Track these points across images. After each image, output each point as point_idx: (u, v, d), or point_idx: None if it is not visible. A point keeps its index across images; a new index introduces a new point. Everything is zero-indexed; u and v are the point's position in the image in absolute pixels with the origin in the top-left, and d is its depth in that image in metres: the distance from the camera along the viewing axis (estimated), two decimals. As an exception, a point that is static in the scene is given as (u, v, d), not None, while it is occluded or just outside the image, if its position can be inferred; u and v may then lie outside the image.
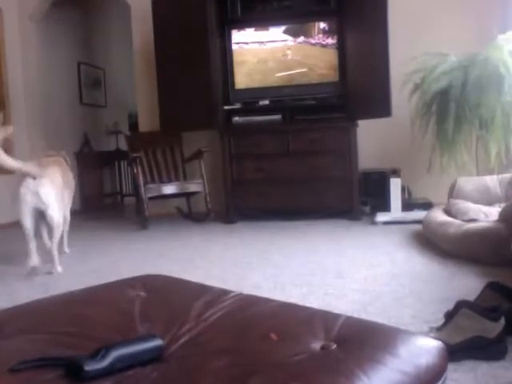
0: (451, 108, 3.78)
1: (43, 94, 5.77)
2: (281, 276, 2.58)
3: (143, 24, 5.04)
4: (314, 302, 2.08)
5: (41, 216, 2.96)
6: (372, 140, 4.60)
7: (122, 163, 7.13)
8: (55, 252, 3.01)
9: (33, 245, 2.97)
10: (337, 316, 1.09)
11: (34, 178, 2.87)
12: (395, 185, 4.18)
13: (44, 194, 2.88)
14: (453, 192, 3.52)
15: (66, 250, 3.58)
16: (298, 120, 4.53)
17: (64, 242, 3.54)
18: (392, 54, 4.04)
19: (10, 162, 2.86)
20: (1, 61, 5.32)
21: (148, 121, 5.23)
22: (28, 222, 2.92)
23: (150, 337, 0.97)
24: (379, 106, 4.17)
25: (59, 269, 2.99)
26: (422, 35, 4.45)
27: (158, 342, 0.95)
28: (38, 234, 3.10)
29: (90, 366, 0.85)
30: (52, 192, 2.93)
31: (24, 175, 2.89)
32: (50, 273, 2.98)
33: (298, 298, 2.11)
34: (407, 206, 4.22)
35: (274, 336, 0.98)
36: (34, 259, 2.96)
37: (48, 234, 3.17)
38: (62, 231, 3.25)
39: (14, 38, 5.50)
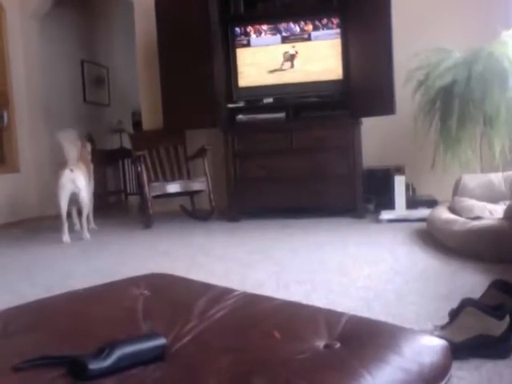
0: (455, 104, 3.77)
1: (46, 93, 5.78)
2: (284, 274, 2.58)
3: (146, 21, 5.04)
4: (318, 299, 2.08)
5: (72, 200, 3.98)
6: (376, 137, 4.59)
7: (125, 161, 7.14)
8: (85, 224, 4.05)
9: (65, 225, 3.94)
10: (340, 314, 1.08)
11: (71, 170, 3.92)
12: (399, 182, 4.17)
13: (78, 182, 3.95)
14: (457, 189, 3.51)
15: (94, 226, 4.42)
16: (302, 118, 4.52)
17: (91, 220, 4.39)
18: (395, 50, 4.03)
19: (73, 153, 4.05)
20: (4, 59, 5.33)
21: (151, 119, 5.23)
22: (64, 205, 3.92)
23: (153, 335, 0.97)
24: (383, 103, 4.15)
25: (88, 236, 4.01)
26: (425, 32, 4.43)
27: (161, 341, 0.95)
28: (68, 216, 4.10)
29: (94, 365, 0.85)
30: (83, 180, 3.99)
31: (64, 165, 3.96)
32: (81, 238, 3.98)
33: (302, 296, 2.11)
34: (411, 203, 4.21)
35: (277, 334, 0.98)
36: (66, 236, 3.94)
37: (78, 213, 4.25)
38: (89, 210, 4.21)
39: (16, 37, 5.50)
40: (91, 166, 4.48)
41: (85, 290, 1.38)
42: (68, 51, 6.27)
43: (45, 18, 5.75)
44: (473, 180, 3.51)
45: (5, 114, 5.29)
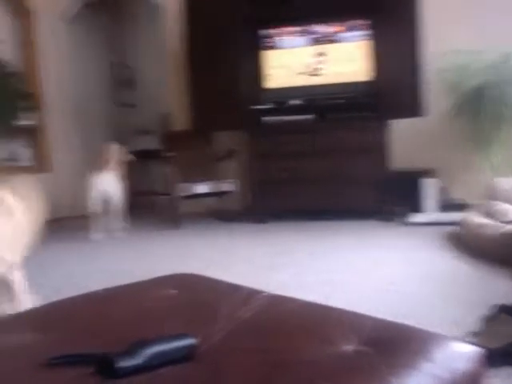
0: (487, 106, 3.69)
1: (77, 95, 5.88)
2: (307, 275, 2.57)
3: (175, 23, 5.09)
4: (343, 302, 2.04)
5: (103, 200, 4.17)
6: (404, 139, 4.52)
7: (155, 162, 7.20)
8: (116, 224, 4.28)
9: (96, 225, 4.14)
10: (367, 318, 1.07)
11: (104, 171, 4.14)
12: (430, 185, 4.10)
13: (111, 183, 4.21)
14: (491, 193, 3.43)
15: (124, 226, 4.48)
16: (329, 119, 4.49)
17: (121, 220, 4.47)
18: (424, 51, 3.96)
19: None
20: (35, 62, 5.44)
21: (180, 120, 5.28)
22: (96, 205, 4.14)
23: (182, 335, 0.97)
24: (411, 105, 4.09)
25: (118, 235, 4.21)
26: (456, 32, 4.33)
27: (190, 341, 0.95)
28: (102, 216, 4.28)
29: (122, 363, 0.85)
30: (115, 181, 4.26)
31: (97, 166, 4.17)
32: (111, 238, 4.15)
33: (327, 299, 2.09)
34: (441, 206, 4.13)
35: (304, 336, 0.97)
36: (97, 236, 4.13)
37: (109, 213, 4.38)
38: (119, 211, 4.37)
39: (46, 39, 5.59)
40: (123, 167, 4.57)
41: (112, 289, 1.39)
42: (97, 53, 6.37)
43: (74, 21, 5.84)
44: (506, 183, 3.43)
45: (37, 116, 5.41)
